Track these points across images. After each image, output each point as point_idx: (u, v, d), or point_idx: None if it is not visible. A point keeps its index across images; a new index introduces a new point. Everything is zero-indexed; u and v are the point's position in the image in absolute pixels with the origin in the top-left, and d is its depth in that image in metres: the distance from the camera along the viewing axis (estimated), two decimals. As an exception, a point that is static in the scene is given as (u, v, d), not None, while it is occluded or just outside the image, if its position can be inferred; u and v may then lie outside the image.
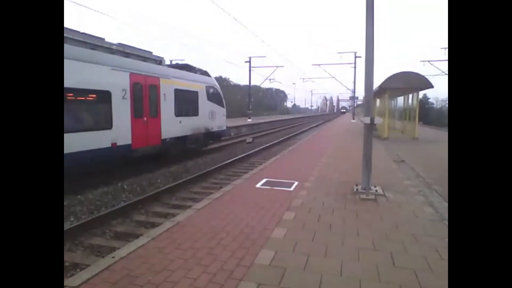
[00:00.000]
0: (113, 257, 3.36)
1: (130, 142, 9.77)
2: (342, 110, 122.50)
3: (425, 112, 45.98)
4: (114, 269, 3.13)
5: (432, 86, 15.06)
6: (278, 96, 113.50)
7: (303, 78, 44.99)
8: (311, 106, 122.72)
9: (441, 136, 19.94)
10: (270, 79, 43.39)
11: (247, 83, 43.38)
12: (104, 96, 8.83)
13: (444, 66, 32.72)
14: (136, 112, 10.06)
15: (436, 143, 15.52)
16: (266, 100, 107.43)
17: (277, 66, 41.79)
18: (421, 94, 17.96)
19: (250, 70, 41.04)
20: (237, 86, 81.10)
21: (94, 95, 8.59)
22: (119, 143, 9.31)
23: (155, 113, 11.04)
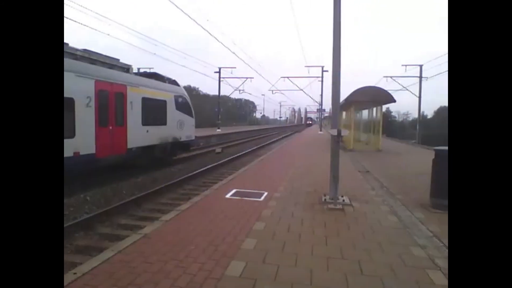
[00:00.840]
0: (75, 273, 3.18)
1: (94, 151, 9.39)
2: (308, 122, 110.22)
3: (388, 125, 48.14)
4: (75, 286, 2.96)
5: (394, 101, 15.83)
6: (247, 106, 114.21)
7: (272, 90, 45.47)
8: (280, 117, 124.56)
9: (403, 148, 20.93)
10: (239, 90, 43.59)
11: (217, 93, 43.36)
12: (67, 104, 8.44)
13: (405, 82, 34.58)
14: (101, 120, 9.71)
15: (399, 154, 16.25)
16: (236, 110, 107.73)
17: (247, 78, 42.12)
18: (384, 108, 18.82)
19: (219, 81, 41.10)
20: (206, 96, 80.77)
21: None
22: (82, 152, 8.92)
23: (121, 121, 10.71)
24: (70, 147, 8.49)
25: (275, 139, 33.42)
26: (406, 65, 33.25)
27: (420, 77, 33.33)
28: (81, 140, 8.89)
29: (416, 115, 37.10)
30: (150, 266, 3.38)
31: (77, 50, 9.94)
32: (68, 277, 3.10)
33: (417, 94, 33.90)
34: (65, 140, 8.33)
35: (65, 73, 8.33)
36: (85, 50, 10.38)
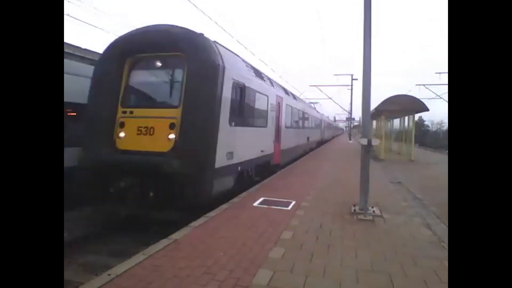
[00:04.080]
0: (109, 275, 3.30)
1: None
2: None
3: (421, 134, 46.35)
4: (109, 287, 3.08)
5: (427, 109, 15.26)
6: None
7: (301, 99, 45.17)
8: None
9: (437, 158, 20.06)
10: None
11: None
12: None
13: (439, 90, 33.33)
14: None
15: (432, 165, 15.60)
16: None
17: (275, 86, 42.14)
18: (416, 116, 18.18)
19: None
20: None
21: None
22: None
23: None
24: None
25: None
26: (440, 73, 32.03)
27: (456, 84, 31.92)
28: None
29: (451, 124, 35.50)
30: (179, 271, 3.45)
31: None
32: (103, 279, 3.23)
33: (453, 103, 32.48)
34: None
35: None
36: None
